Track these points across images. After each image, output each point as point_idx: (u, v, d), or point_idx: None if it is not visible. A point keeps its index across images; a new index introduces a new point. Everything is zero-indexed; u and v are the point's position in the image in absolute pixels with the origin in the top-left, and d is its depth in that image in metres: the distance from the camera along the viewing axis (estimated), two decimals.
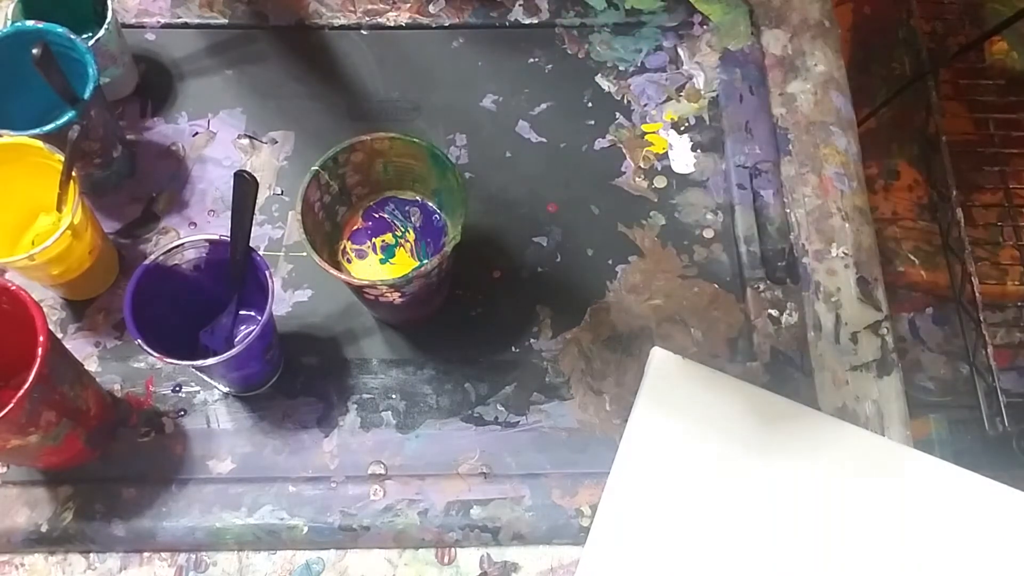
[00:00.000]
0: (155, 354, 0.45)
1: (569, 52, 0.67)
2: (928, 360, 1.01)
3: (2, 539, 0.51)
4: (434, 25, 0.67)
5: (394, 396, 0.55)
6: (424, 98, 0.64)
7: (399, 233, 0.53)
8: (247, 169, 0.50)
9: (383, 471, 0.53)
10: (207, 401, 0.54)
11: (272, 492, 0.52)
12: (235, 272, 0.49)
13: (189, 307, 0.51)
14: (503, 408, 0.55)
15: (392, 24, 0.67)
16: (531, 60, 0.66)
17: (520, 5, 0.68)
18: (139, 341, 0.45)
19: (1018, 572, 0.50)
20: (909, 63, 0.92)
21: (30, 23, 0.52)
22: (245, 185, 0.46)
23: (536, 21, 0.68)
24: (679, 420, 0.54)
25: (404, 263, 0.53)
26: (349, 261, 0.53)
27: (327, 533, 0.51)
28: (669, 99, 0.65)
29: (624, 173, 0.62)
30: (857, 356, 0.58)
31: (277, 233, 0.60)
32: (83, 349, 0.55)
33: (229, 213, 0.47)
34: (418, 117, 0.64)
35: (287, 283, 0.58)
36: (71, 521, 0.51)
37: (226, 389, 0.54)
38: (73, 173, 0.49)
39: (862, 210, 0.63)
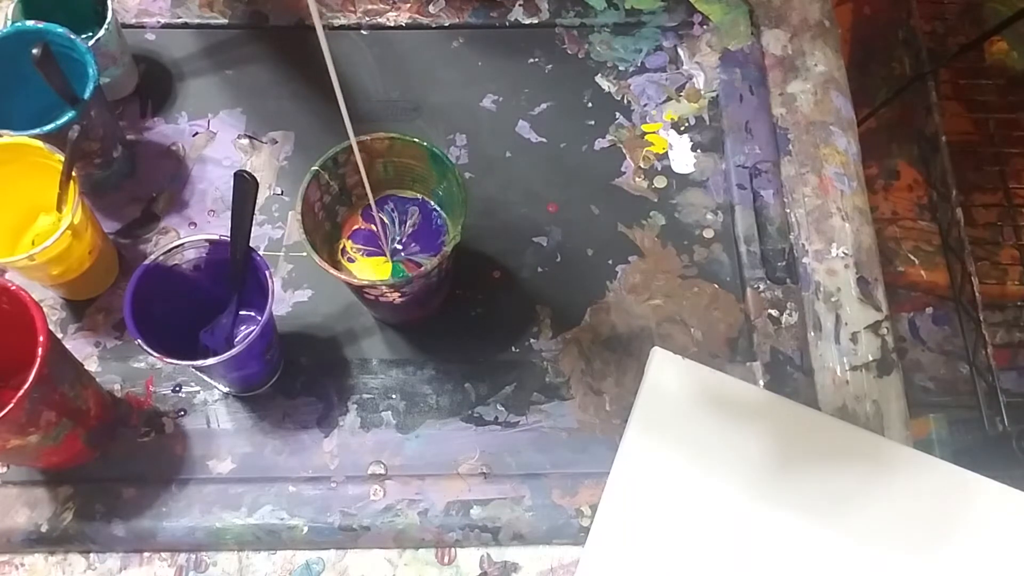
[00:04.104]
0: (155, 354, 0.45)
1: (569, 52, 0.67)
2: (928, 360, 1.01)
3: (2, 539, 0.51)
4: (434, 25, 0.67)
5: (394, 396, 0.55)
6: (424, 98, 0.64)
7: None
8: (247, 169, 0.50)
9: (383, 471, 0.53)
10: (207, 401, 0.54)
11: (272, 492, 0.52)
12: (235, 272, 0.49)
13: (189, 307, 0.51)
14: (503, 408, 0.55)
15: (392, 24, 0.67)
16: (531, 60, 0.66)
17: (520, 5, 0.68)
18: (139, 341, 0.45)
19: (1018, 572, 0.50)
20: (909, 63, 0.92)
21: (30, 23, 0.53)
22: (245, 185, 0.46)
23: (536, 21, 0.68)
24: (679, 420, 0.54)
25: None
26: (351, 261, 0.53)
27: (327, 533, 0.51)
28: (669, 99, 0.65)
29: (624, 173, 0.62)
30: (857, 356, 0.58)
31: (277, 233, 0.60)
32: (83, 349, 0.55)
33: (229, 213, 0.47)
34: (418, 117, 0.64)
35: (287, 283, 0.58)
36: (71, 521, 0.51)
37: (226, 389, 0.54)
38: (73, 173, 0.49)
39: (862, 210, 0.63)
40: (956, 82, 0.91)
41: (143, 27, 0.66)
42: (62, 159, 0.49)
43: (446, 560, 0.52)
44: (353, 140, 0.43)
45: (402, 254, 0.53)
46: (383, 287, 0.48)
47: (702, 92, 0.66)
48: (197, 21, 0.66)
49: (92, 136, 0.54)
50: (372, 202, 0.47)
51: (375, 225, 0.53)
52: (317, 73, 0.66)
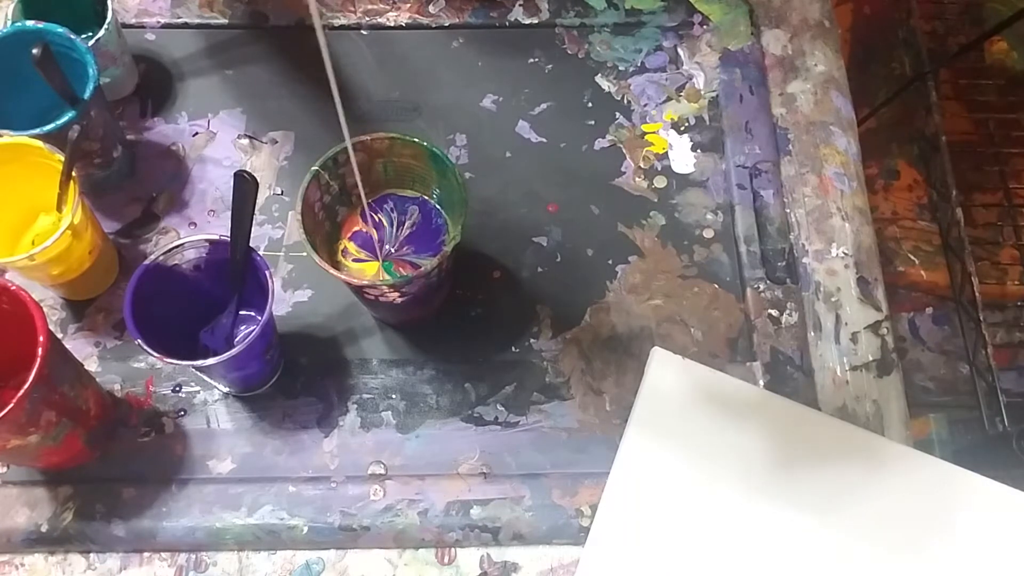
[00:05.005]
0: (155, 354, 0.45)
1: (569, 52, 0.67)
2: (928, 360, 1.01)
3: (2, 539, 0.51)
4: (434, 25, 0.67)
5: (394, 396, 0.55)
6: (424, 98, 0.64)
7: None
8: (247, 169, 0.50)
9: (383, 471, 0.53)
10: (207, 401, 0.54)
11: (272, 492, 0.52)
12: (235, 272, 0.49)
13: (189, 307, 0.51)
14: (503, 408, 0.55)
15: (392, 24, 0.67)
16: (531, 60, 0.66)
17: (520, 5, 0.68)
18: (139, 341, 0.45)
19: (1018, 572, 0.50)
20: (909, 63, 0.92)
21: (30, 23, 0.52)
22: (245, 185, 0.46)
23: (536, 21, 0.68)
24: (679, 420, 0.54)
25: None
26: (357, 261, 0.53)
27: (327, 533, 0.51)
28: (669, 99, 0.65)
29: (624, 173, 0.62)
30: (857, 356, 0.58)
31: (277, 233, 0.60)
32: (83, 349, 0.55)
33: (229, 213, 0.47)
34: (418, 117, 0.64)
35: (287, 283, 0.58)
36: (71, 521, 0.51)
37: (226, 389, 0.54)
38: (73, 173, 0.49)
39: (862, 210, 0.63)
40: (956, 82, 0.91)
41: (143, 27, 0.66)
42: (62, 159, 0.49)
43: (446, 560, 0.52)
44: (349, 143, 0.43)
45: (394, 255, 0.53)
46: (383, 287, 0.48)
47: (702, 92, 0.66)
48: (197, 21, 0.66)
49: (92, 136, 0.54)
50: (365, 205, 0.47)
51: (377, 224, 0.53)
52: (317, 73, 0.66)
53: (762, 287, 0.59)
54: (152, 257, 0.48)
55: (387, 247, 0.53)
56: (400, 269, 0.52)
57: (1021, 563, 0.50)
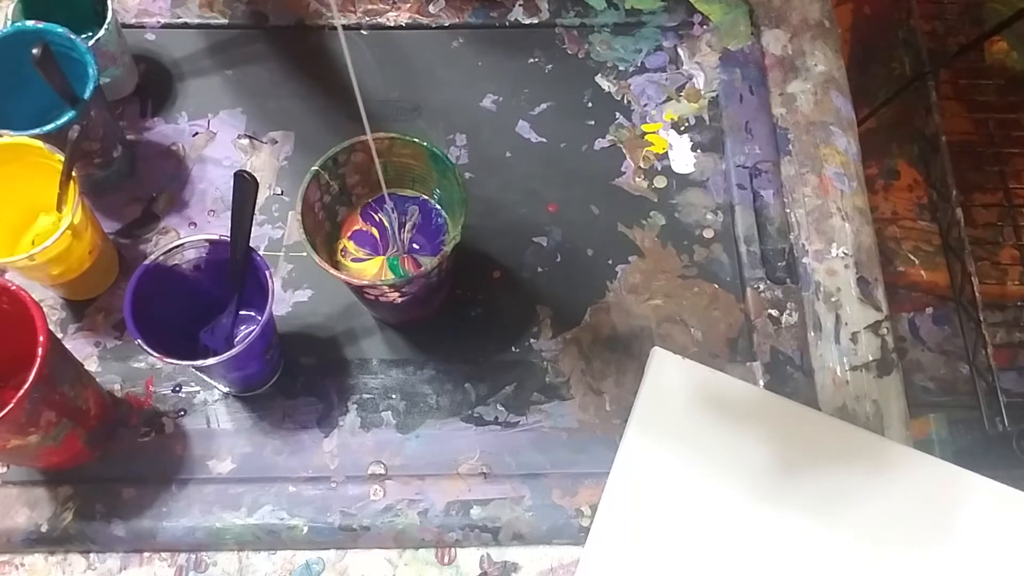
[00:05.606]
0: (155, 354, 0.45)
1: (569, 52, 0.67)
2: (928, 360, 1.01)
3: (2, 539, 0.51)
4: (434, 25, 0.67)
5: (394, 396, 0.55)
6: (424, 98, 0.64)
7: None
8: (247, 169, 0.50)
9: (383, 471, 0.53)
10: (207, 401, 0.54)
11: (272, 492, 0.52)
12: (235, 272, 0.49)
13: (189, 307, 0.51)
14: (503, 408, 0.55)
15: (392, 24, 0.67)
16: (531, 60, 0.66)
17: (520, 5, 0.68)
18: (139, 341, 0.45)
19: (1018, 572, 0.50)
20: (909, 63, 0.92)
21: (30, 23, 0.53)
22: (245, 185, 0.46)
23: (536, 21, 0.68)
24: (679, 420, 0.54)
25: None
26: (357, 261, 0.53)
27: (327, 533, 0.51)
28: (669, 99, 0.65)
29: (624, 173, 0.62)
30: (857, 356, 0.58)
31: (277, 233, 0.60)
32: (83, 349, 0.55)
33: (229, 213, 0.47)
34: (418, 117, 0.64)
35: (287, 283, 0.58)
36: (71, 521, 0.51)
37: (226, 389, 0.54)
38: (73, 173, 0.49)
39: (862, 210, 0.63)
40: (956, 82, 0.91)
41: (143, 27, 0.66)
42: (62, 159, 0.49)
43: (446, 560, 0.52)
44: (370, 136, 0.43)
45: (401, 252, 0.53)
46: (383, 287, 0.48)
47: (702, 92, 0.66)
48: (197, 21, 0.66)
49: (92, 136, 0.54)
50: (385, 192, 0.47)
51: (378, 223, 0.53)
52: (317, 73, 0.66)
53: (762, 287, 0.59)
54: (152, 257, 0.48)
55: (395, 246, 0.53)
56: (406, 263, 0.52)
57: (1021, 563, 0.50)
